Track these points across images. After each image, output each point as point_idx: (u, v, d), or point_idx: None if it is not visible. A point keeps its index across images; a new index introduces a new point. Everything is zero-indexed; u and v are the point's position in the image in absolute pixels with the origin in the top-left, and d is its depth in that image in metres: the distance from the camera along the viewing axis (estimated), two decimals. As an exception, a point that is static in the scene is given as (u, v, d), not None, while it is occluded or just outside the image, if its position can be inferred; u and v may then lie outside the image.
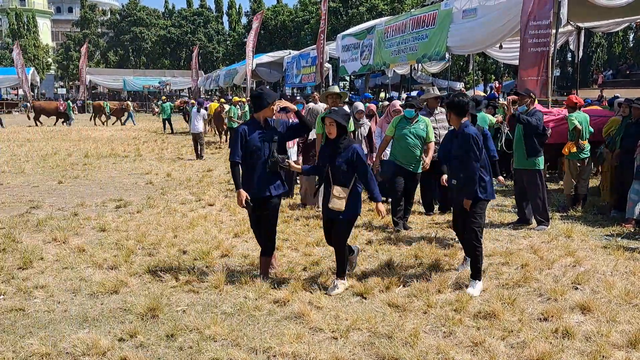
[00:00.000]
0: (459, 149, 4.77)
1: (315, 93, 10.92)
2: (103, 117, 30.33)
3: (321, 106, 8.65)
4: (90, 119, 31.26)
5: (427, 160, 6.83)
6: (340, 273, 4.80)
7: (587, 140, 7.71)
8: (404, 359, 3.51)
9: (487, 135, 6.30)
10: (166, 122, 23.72)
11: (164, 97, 26.33)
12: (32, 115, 29.93)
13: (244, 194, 4.74)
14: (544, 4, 10.00)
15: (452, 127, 5.00)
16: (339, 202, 4.65)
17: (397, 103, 7.90)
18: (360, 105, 8.14)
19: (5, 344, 3.79)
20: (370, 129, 8.20)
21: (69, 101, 31.61)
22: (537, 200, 6.88)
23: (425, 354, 3.57)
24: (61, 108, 29.38)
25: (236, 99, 20.56)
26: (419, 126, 6.79)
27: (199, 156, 14.76)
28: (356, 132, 7.89)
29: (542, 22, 10.06)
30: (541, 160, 6.93)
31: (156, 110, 30.41)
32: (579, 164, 7.80)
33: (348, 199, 4.66)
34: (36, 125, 28.87)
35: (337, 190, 4.66)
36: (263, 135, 4.79)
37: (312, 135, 7.79)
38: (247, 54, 27.58)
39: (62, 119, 29.67)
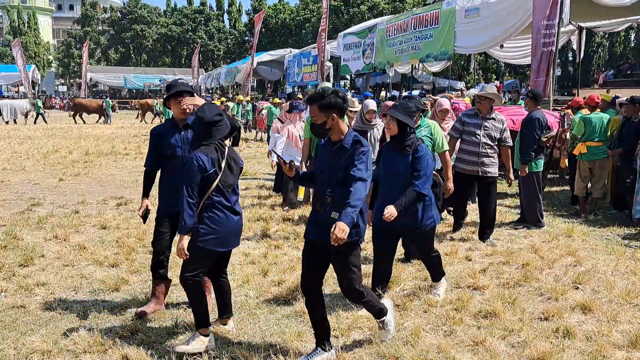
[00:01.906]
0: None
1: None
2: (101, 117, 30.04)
3: None
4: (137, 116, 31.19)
5: (448, 183, 5.52)
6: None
7: (601, 142, 7.52)
8: (404, 358, 3.51)
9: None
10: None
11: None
12: (71, 112, 29.57)
13: (145, 203, 4.19)
14: (555, 4, 9.96)
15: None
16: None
17: (445, 102, 6.83)
18: (371, 104, 6.85)
19: (6, 340, 3.79)
20: (384, 131, 6.91)
21: (107, 99, 31.43)
22: (531, 202, 6.85)
23: (425, 353, 3.58)
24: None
25: (240, 97, 20.37)
26: (420, 133, 5.35)
27: None
28: (368, 135, 6.77)
29: (552, 21, 10.03)
30: (539, 162, 6.91)
31: (155, 110, 29.70)
32: (589, 166, 7.61)
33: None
34: (75, 122, 28.55)
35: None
36: (179, 138, 4.08)
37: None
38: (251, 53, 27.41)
39: (102, 117, 29.30)
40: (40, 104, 29.18)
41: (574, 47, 15.59)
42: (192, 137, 3.87)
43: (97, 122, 29.42)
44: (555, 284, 4.85)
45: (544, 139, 6.97)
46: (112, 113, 30.44)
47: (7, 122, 27.67)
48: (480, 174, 6.12)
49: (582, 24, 14.17)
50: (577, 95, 14.17)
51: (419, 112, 5.25)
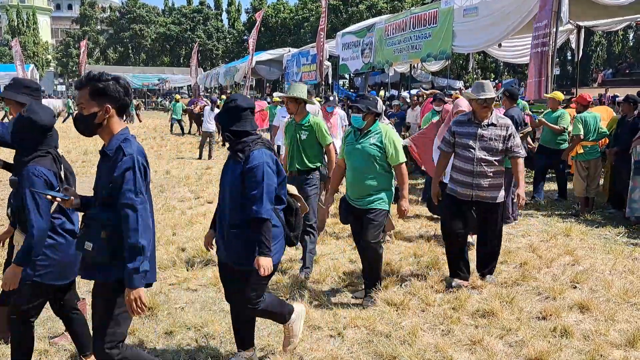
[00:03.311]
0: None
1: (311, 91, 10.85)
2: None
3: (317, 106, 7.99)
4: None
5: (403, 202, 4.49)
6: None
7: (595, 142, 7.51)
8: (402, 357, 3.51)
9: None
10: (176, 122, 21.89)
11: (177, 97, 23.94)
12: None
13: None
14: (544, 4, 9.98)
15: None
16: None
17: (463, 103, 5.65)
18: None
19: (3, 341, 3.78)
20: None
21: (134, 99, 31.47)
22: (509, 198, 6.75)
23: (423, 352, 3.58)
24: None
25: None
26: (369, 141, 4.41)
27: (209, 156, 14.29)
28: None
29: (542, 22, 10.04)
30: None
31: (168, 108, 29.14)
32: (586, 166, 7.59)
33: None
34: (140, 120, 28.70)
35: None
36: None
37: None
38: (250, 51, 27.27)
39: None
40: (70, 104, 29.39)
41: (573, 46, 15.58)
42: (15, 144, 3.08)
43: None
44: (553, 283, 4.86)
45: (520, 135, 6.97)
46: (137, 112, 29.67)
47: None
48: (473, 199, 4.72)
49: (581, 23, 14.16)
50: (576, 95, 14.21)
51: (371, 114, 4.40)
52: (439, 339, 3.81)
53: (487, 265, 4.95)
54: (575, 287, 4.80)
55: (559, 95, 8.48)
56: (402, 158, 4.43)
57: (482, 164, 4.66)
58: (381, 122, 4.59)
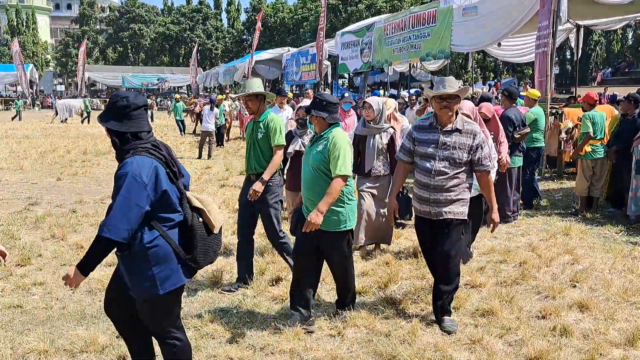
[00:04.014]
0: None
1: (310, 90, 10.80)
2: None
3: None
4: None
5: (315, 217, 3.73)
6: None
7: (601, 141, 7.45)
8: (402, 357, 3.51)
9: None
10: (179, 123, 21.41)
11: (177, 96, 23.60)
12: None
13: None
14: (544, 4, 9.98)
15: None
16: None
17: (467, 105, 4.85)
18: (373, 102, 5.54)
19: (3, 340, 3.79)
20: (392, 138, 5.63)
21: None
22: (502, 197, 6.69)
23: (423, 352, 3.58)
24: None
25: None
26: (316, 148, 3.94)
27: (209, 155, 14.24)
28: (370, 142, 5.52)
29: (544, 22, 10.04)
30: (514, 159, 6.89)
31: (170, 109, 28.98)
32: (592, 165, 7.54)
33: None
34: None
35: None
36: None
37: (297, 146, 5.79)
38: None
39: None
40: (87, 103, 29.62)
41: (572, 45, 15.58)
42: None
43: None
44: (553, 282, 4.86)
45: (517, 136, 6.96)
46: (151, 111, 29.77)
47: (62, 121, 28.65)
48: (433, 217, 3.99)
49: (580, 22, 14.17)
50: (576, 94, 14.20)
51: (317, 118, 3.90)
52: (439, 338, 3.81)
53: (441, 295, 4.03)
54: (574, 286, 4.80)
55: (534, 93, 8.44)
56: (344, 170, 3.74)
57: (441, 176, 3.88)
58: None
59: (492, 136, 5.51)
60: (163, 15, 65.98)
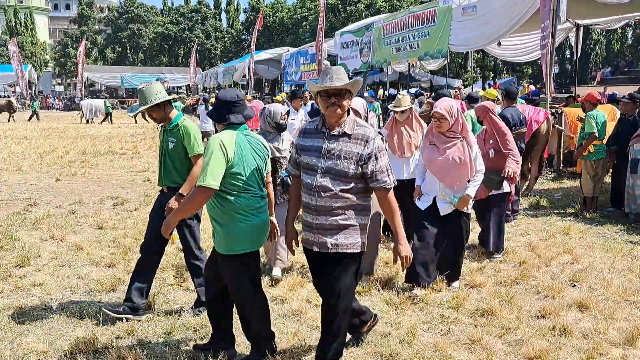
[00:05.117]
0: None
1: (307, 92, 10.64)
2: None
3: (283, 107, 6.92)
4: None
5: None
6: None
7: (602, 141, 7.43)
8: (401, 357, 3.51)
9: None
10: None
11: (174, 96, 23.71)
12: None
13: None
14: (545, 4, 9.98)
15: None
16: None
17: (442, 104, 4.56)
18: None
19: (2, 341, 3.78)
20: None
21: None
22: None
23: (422, 352, 3.57)
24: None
25: (248, 97, 20.01)
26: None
27: None
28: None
29: (546, 23, 10.05)
30: None
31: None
32: (595, 165, 7.50)
33: None
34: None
35: None
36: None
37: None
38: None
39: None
40: (107, 104, 29.86)
41: (572, 44, 15.60)
42: None
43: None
44: (552, 282, 4.86)
45: (513, 135, 6.94)
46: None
47: (87, 121, 28.98)
48: (315, 248, 3.15)
49: (579, 22, 14.18)
50: (575, 93, 14.21)
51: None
52: (438, 338, 3.81)
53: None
54: (574, 286, 4.80)
55: (492, 93, 8.41)
56: (204, 180, 3.11)
57: (324, 194, 3.02)
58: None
59: (492, 146, 5.48)
60: (162, 15, 65.98)
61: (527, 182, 8.64)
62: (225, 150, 3.16)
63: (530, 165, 8.57)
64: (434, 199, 4.66)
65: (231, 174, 3.18)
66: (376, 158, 3.02)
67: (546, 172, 10.32)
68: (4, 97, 48.08)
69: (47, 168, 12.14)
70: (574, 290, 4.68)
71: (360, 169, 3.02)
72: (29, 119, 30.42)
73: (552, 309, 4.20)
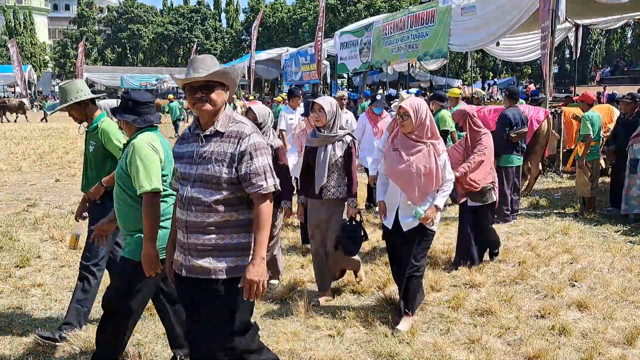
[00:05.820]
0: None
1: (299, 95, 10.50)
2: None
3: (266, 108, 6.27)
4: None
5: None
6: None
7: (597, 142, 7.42)
8: (400, 357, 3.52)
9: None
10: (175, 123, 20.80)
11: (170, 96, 22.66)
12: None
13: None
14: (545, 4, 9.99)
15: None
16: None
17: (409, 101, 4.07)
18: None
19: (2, 341, 3.79)
20: (350, 148, 4.36)
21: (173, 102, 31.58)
22: (500, 196, 6.63)
23: (422, 352, 3.58)
24: None
25: (251, 98, 19.82)
26: (123, 158, 3.32)
27: None
28: (321, 155, 4.28)
29: (546, 23, 10.06)
30: (512, 158, 6.89)
31: (166, 110, 27.87)
32: (590, 166, 7.47)
33: None
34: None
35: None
36: None
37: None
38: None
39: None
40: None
41: (571, 44, 15.61)
42: None
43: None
44: (552, 281, 4.86)
45: (513, 135, 6.95)
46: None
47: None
48: (183, 273, 2.60)
49: (579, 21, 14.19)
50: (574, 93, 14.22)
51: (124, 121, 3.18)
52: (438, 338, 3.81)
53: None
54: (573, 286, 4.81)
55: (455, 92, 8.40)
56: (146, 186, 2.89)
57: (194, 207, 2.53)
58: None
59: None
60: (161, 15, 65.97)
61: (526, 182, 8.65)
62: (157, 151, 3.03)
63: (530, 165, 8.58)
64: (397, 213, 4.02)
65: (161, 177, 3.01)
66: (251, 157, 2.51)
67: (548, 172, 10.31)
68: (7, 97, 48.14)
69: (47, 168, 12.14)
70: (574, 290, 4.69)
71: (235, 172, 2.51)
72: (42, 120, 30.34)
73: (552, 308, 4.21)
